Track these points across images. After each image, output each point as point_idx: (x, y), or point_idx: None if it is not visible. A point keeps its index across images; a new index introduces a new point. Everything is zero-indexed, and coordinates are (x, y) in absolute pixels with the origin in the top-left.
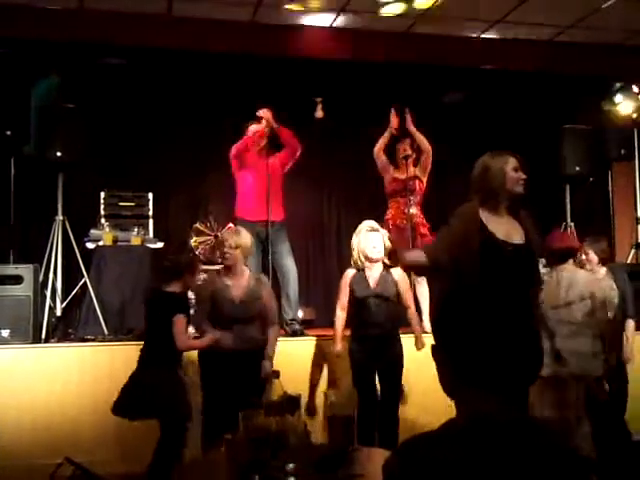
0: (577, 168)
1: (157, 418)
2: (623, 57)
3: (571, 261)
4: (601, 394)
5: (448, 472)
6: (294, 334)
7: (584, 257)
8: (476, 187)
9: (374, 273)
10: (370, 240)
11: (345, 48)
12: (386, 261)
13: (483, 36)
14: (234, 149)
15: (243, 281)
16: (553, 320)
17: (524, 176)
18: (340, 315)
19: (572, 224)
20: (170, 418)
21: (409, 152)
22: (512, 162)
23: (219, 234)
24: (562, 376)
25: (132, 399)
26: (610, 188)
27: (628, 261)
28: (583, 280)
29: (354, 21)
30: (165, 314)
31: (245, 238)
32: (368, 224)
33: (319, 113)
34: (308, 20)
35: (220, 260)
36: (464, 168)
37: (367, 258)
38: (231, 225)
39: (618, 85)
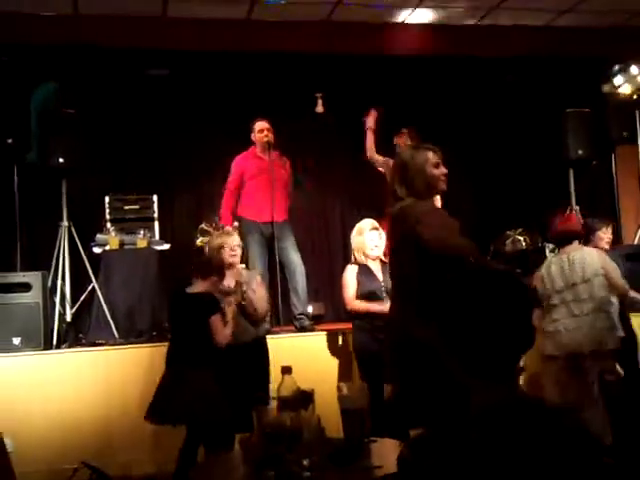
0: (580, 152)
1: (195, 422)
2: (622, 38)
3: (576, 242)
4: (615, 373)
5: (462, 462)
6: (303, 329)
7: (606, 238)
8: (403, 188)
9: (376, 267)
10: (373, 238)
11: (342, 42)
12: (382, 257)
13: (482, 23)
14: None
15: (236, 275)
16: (570, 299)
17: (445, 171)
18: (361, 303)
19: (577, 207)
20: (208, 422)
21: (408, 144)
22: (432, 158)
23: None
24: (580, 352)
25: (171, 403)
26: (614, 171)
27: (635, 242)
28: (595, 257)
29: (347, 14)
30: (199, 316)
31: (232, 240)
32: (371, 223)
33: (320, 108)
34: (303, 15)
35: (227, 259)
36: (467, 155)
37: (368, 255)
38: (236, 223)
39: (618, 67)
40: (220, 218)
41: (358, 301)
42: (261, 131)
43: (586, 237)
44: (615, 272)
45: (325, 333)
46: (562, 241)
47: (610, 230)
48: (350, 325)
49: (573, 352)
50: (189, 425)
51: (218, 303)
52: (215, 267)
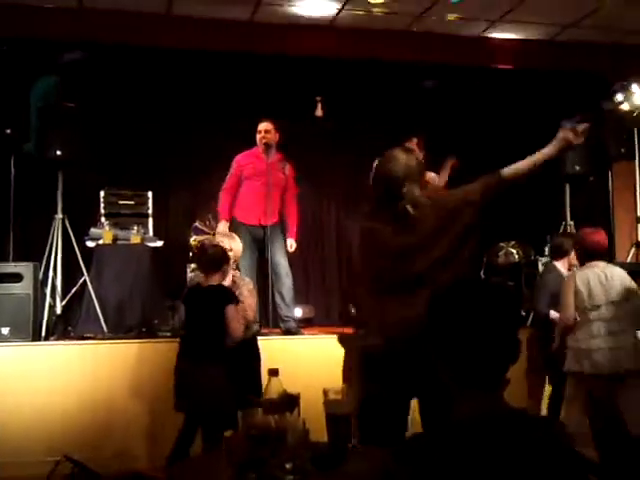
0: (577, 167)
1: (208, 416)
2: (623, 56)
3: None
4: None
5: (445, 471)
6: (288, 332)
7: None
8: (416, 187)
9: None
10: None
11: (345, 46)
12: None
13: (483, 35)
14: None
15: (227, 282)
16: (608, 316)
17: None
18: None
19: (572, 223)
20: (220, 416)
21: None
22: None
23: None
24: (621, 371)
25: (193, 394)
26: (610, 187)
27: (628, 260)
28: (627, 276)
29: (354, 19)
30: (215, 308)
31: (238, 244)
32: None
33: (319, 112)
34: (308, 18)
35: None
36: (464, 165)
37: None
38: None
39: (619, 84)
40: (218, 214)
41: None
42: (259, 132)
43: (562, 254)
44: None
45: (314, 336)
46: (599, 255)
47: None
48: (341, 329)
49: (615, 370)
50: (198, 416)
51: (234, 294)
52: (225, 257)
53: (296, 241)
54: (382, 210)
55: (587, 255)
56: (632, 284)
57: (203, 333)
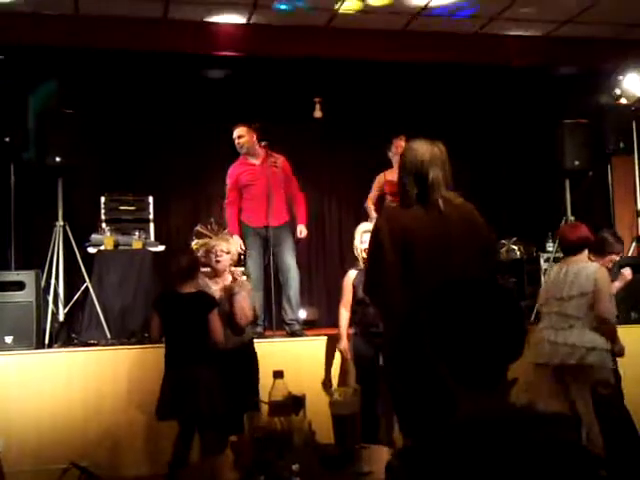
0: (576, 162)
1: (200, 418)
2: (620, 50)
3: (586, 252)
4: (608, 386)
5: (452, 470)
6: (293, 334)
7: (615, 259)
8: (443, 182)
9: None
10: (364, 241)
11: (342, 47)
12: None
13: (480, 32)
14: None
15: (225, 282)
16: (555, 311)
17: None
18: (344, 314)
19: (572, 218)
20: (212, 417)
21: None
22: None
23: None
24: (561, 365)
25: (181, 400)
26: (610, 182)
27: (629, 254)
28: (592, 275)
29: (349, 20)
30: (198, 314)
31: (235, 245)
32: (365, 226)
33: (317, 113)
34: (303, 20)
35: (212, 264)
36: (463, 164)
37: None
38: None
39: (616, 78)
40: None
41: (344, 314)
42: (234, 140)
43: (600, 251)
44: (605, 296)
45: (318, 338)
46: (570, 250)
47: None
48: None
49: (555, 364)
50: (195, 420)
51: (215, 300)
52: (198, 265)
53: (306, 226)
54: (412, 205)
55: (564, 252)
56: (590, 284)
57: (191, 338)
